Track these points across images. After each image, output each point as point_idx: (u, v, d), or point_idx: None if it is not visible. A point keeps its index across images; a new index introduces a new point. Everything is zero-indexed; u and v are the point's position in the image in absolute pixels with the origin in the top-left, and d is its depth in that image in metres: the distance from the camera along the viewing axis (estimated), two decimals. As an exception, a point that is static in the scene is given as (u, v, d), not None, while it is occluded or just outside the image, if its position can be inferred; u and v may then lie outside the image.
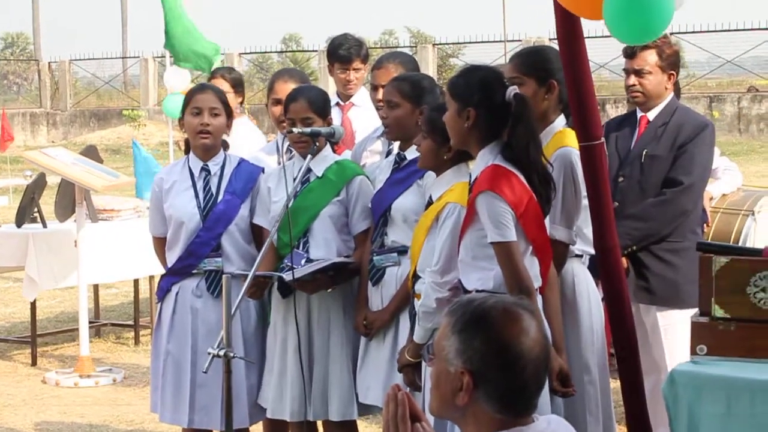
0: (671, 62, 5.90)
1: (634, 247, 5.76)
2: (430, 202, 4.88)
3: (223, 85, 7.13)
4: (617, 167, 5.89)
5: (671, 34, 6.09)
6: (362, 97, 6.97)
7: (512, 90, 4.38)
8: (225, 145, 5.78)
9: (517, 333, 2.86)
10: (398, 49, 29.28)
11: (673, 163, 5.77)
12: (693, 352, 4.24)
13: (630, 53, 5.88)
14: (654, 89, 5.88)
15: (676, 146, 5.78)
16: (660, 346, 5.77)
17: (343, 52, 6.93)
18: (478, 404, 2.87)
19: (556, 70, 4.68)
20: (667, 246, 5.75)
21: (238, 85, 7.54)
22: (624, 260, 5.75)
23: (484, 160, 4.40)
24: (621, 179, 5.86)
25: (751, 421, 4.01)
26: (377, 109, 5.97)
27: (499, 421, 2.87)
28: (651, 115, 5.91)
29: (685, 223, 5.77)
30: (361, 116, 6.82)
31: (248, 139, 7.21)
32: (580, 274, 4.79)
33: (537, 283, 4.40)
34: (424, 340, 4.71)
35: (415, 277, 4.92)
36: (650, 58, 5.84)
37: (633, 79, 5.90)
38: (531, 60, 4.84)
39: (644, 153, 5.83)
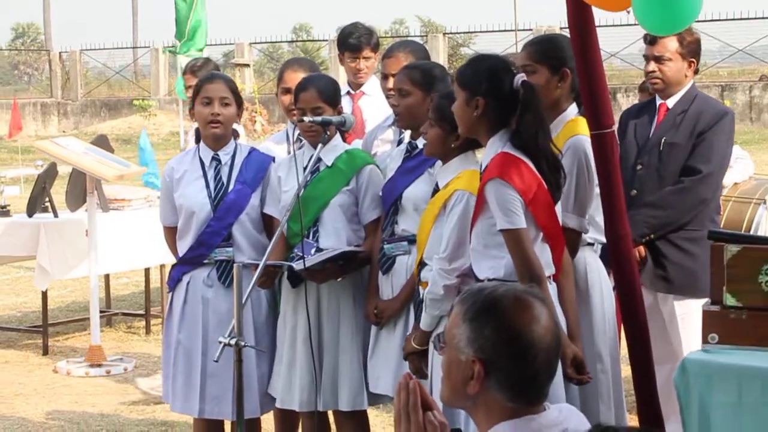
0: (692, 50, 5.87)
1: (652, 236, 5.74)
2: (436, 190, 4.88)
3: (192, 82, 7.33)
4: (635, 155, 5.87)
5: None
6: (373, 86, 6.96)
7: (520, 77, 4.38)
8: (235, 135, 5.77)
9: (528, 321, 2.86)
10: (409, 38, 29.24)
11: (691, 151, 5.75)
12: (704, 340, 4.23)
13: (651, 39, 5.83)
14: (674, 76, 5.85)
15: (695, 134, 5.76)
16: (677, 335, 5.75)
17: (353, 40, 6.93)
18: (490, 393, 2.87)
19: (569, 58, 4.67)
20: (685, 234, 5.73)
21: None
22: (642, 248, 5.75)
23: (493, 148, 4.41)
24: (639, 167, 5.84)
25: (763, 410, 4.00)
26: (387, 97, 5.96)
27: (510, 409, 2.87)
28: (670, 102, 5.89)
29: (704, 211, 5.76)
30: (372, 105, 6.81)
31: None
32: (592, 263, 4.78)
33: (549, 270, 4.40)
34: (431, 328, 4.72)
35: (422, 264, 4.92)
36: (671, 44, 5.81)
37: (653, 65, 5.86)
38: (544, 48, 4.83)
39: (663, 141, 5.81)
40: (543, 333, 2.86)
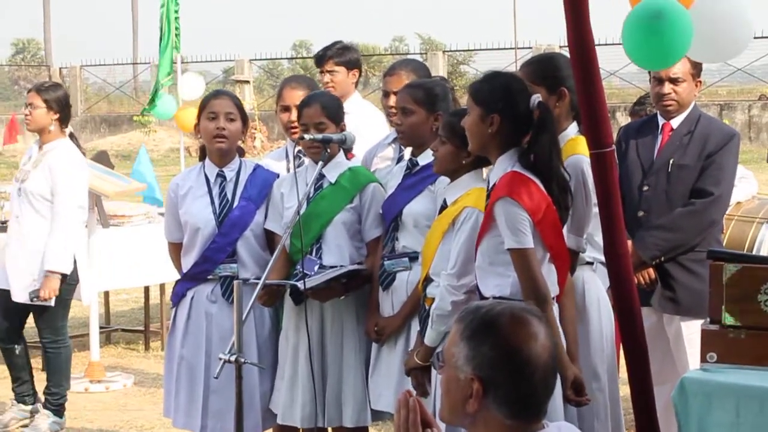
0: (699, 69, 5.86)
1: (662, 258, 5.73)
2: (443, 206, 4.89)
3: (36, 101, 7.32)
4: (641, 176, 5.86)
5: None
6: (354, 104, 6.94)
7: (536, 98, 4.39)
8: (240, 152, 5.79)
9: (525, 338, 2.87)
10: (409, 56, 29.25)
11: (700, 173, 5.73)
12: (703, 359, 4.24)
13: None
14: (687, 97, 5.82)
15: (703, 156, 5.72)
16: (682, 356, 5.73)
17: (319, 53, 6.99)
18: (489, 411, 2.88)
19: (566, 77, 4.69)
20: (693, 256, 5.69)
21: (54, 103, 7.42)
22: (651, 270, 5.74)
23: (502, 166, 4.41)
24: (646, 188, 5.81)
25: (761, 429, 4.01)
26: (388, 115, 5.97)
27: (509, 427, 2.88)
28: (674, 122, 5.84)
29: (712, 233, 5.75)
30: (352, 124, 6.81)
31: (66, 161, 7.31)
32: (590, 282, 4.79)
33: (554, 291, 4.40)
34: (435, 344, 4.73)
35: (427, 280, 4.93)
36: (684, 66, 5.77)
37: (668, 87, 5.79)
38: (541, 68, 4.85)
39: (671, 162, 5.79)
40: (540, 350, 2.87)
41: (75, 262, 7.32)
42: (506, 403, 2.87)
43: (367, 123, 6.42)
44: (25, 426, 7.52)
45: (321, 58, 6.99)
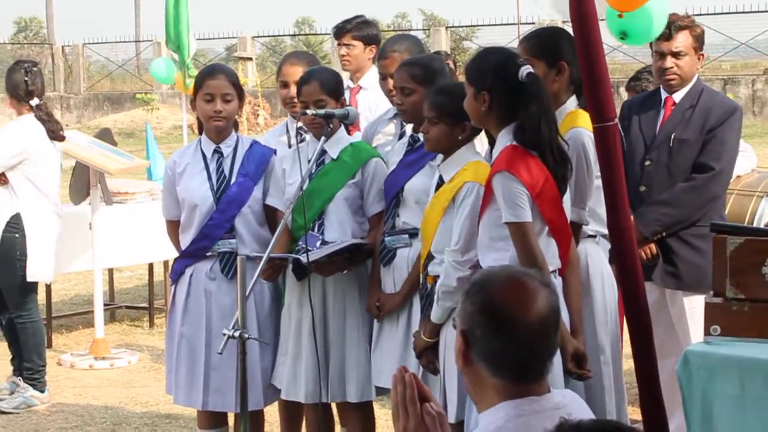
0: (701, 43, 5.84)
1: (664, 233, 5.73)
2: (440, 182, 4.88)
3: None
4: (643, 151, 5.84)
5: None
6: (371, 80, 6.94)
7: (525, 69, 4.38)
8: (236, 126, 5.78)
9: (512, 298, 2.88)
10: (411, 32, 29.13)
11: (702, 148, 5.72)
12: (707, 332, 4.24)
13: (667, 35, 5.72)
14: (689, 71, 5.81)
15: (705, 130, 5.71)
16: (684, 330, 5.73)
17: (338, 25, 7.00)
18: (473, 366, 2.90)
19: (565, 51, 4.69)
20: (694, 231, 5.70)
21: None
22: (653, 246, 5.74)
23: (503, 141, 4.42)
24: (648, 163, 5.80)
25: (765, 402, 4.01)
26: (389, 97, 5.94)
27: (496, 386, 2.89)
28: (677, 96, 5.83)
29: (713, 207, 5.74)
30: (370, 100, 6.79)
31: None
32: (593, 255, 4.79)
33: (555, 264, 4.41)
34: (442, 320, 4.73)
35: (428, 258, 4.91)
36: (686, 39, 5.74)
37: (670, 61, 5.78)
38: (540, 42, 4.84)
39: (672, 137, 5.77)
40: (528, 313, 2.86)
41: (26, 238, 7.37)
42: (484, 359, 2.89)
43: (385, 99, 6.37)
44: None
45: (340, 31, 7.00)
